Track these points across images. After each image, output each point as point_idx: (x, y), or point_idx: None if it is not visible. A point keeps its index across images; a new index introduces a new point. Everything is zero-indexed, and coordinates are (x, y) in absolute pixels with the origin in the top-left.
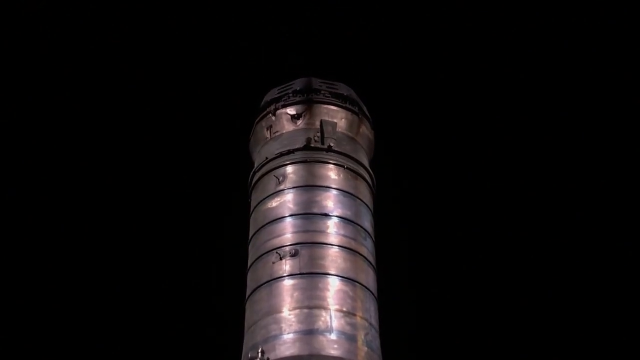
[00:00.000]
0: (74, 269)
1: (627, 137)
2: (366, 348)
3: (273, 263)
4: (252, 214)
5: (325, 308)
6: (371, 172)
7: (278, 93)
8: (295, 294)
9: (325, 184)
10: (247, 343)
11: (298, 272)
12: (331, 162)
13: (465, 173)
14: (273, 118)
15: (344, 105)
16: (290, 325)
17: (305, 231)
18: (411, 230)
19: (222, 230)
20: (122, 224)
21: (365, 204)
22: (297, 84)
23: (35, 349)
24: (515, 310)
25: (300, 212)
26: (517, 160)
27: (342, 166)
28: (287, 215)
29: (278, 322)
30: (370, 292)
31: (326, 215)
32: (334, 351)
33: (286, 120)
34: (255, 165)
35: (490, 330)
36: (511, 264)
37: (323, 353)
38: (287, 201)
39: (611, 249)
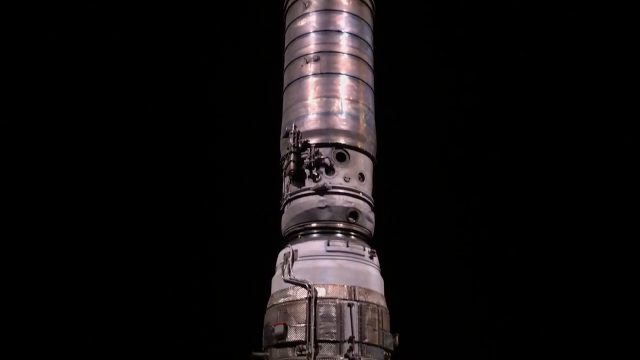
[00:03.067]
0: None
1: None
2: (365, 125)
3: (301, 66)
4: (287, 31)
5: (338, 97)
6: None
7: None
8: (317, 87)
9: (339, 9)
10: (284, 121)
11: (319, 72)
12: None
13: None
14: None
15: None
16: (314, 108)
17: (324, 43)
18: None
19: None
20: None
21: (367, 23)
22: None
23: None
24: None
25: (320, 29)
26: None
27: None
28: (311, 31)
29: (305, 106)
30: (369, 86)
31: (339, 31)
32: (343, 126)
33: None
34: None
35: None
36: None
37: (336, 127)
38: (311, 21)
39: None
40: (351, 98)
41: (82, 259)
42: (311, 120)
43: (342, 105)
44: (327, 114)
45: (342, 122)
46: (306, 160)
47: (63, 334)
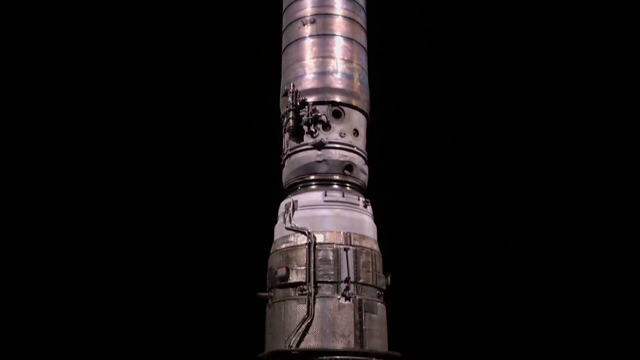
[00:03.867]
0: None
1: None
2: (359, 83)
3: (299, 28)
4: None
5: (333, 58)
6: None
7: None
8: (314, 48)
9: None
10: (283, 81)
11: (315, 34)
12: None
13: None
14: None
15: None
16: (311, 68)
17: (320, 6)
18: None
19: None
20: None
21: None
22: None
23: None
24: None
25: None
26: None
27: None
28: None
29: (303, 66)
30: (363, 47)
31: None
32: (338, 85)
33: None
34: None
35: None
36: None
37: (332, 86)
38: None
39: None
40: (346, 58)
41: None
42: (308, 79)
43: (338, 65)
44: (323, 73)
45: (337, 81)
46: (304, 118)
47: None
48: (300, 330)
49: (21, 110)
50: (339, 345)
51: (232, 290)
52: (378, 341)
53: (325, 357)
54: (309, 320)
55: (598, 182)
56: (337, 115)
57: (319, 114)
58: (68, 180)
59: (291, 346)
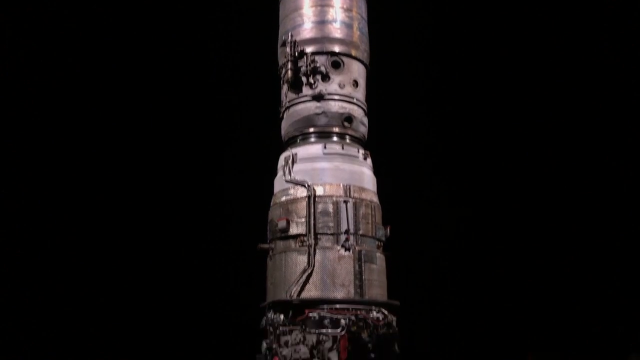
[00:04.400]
0: None
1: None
2: (359, 32)
3: None
4: None
5: (332, 6)
6: None
7: None
8: None
9: None
10: (281, 30)
11: None
12: None
13: None
14: None
15: None
16: (309, 17)
17: None
18: None
19: None
20: None
21: None
22: None
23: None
24: None
25: None
26: None
27: None
28: None
29: (301, 15)
30: None
31: None
32: (337, 35)
33: None
34: None
35: None
36: None
37: (330, 36)
38: None
39: None
40: (345, 7)
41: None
42: (307, 29)
43: (337, 13)
44: (322, 22)
45: (336, 30)
46: (303, 69)
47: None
48: (301, 281)
49: (21, 111)
50: (339, 294)
51: (233, 242)
52: (377, 290)
53: (325, 306)
54: (309, 271)
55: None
56: (337, 65)
57: (318, 65)
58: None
59: (292, 296)
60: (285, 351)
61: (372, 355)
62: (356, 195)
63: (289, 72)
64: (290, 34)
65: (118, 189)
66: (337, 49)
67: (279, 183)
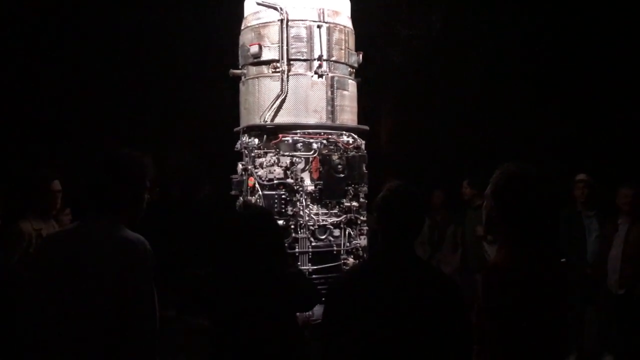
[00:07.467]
0: None
1: None
2: None
3: None
4: None
5: None
6: None
7: None
8: None
9: None
10: None
11: None
12: None
13: None
14: None
15: None
16: None
17: None
18: None
19: None
20: None
21: None
22: None
23: None
24: None
25: None
26: None
27: None
28: None
29: None
30: None
31: None
32: None
33: None
34: None
35: None
36: None
37: None
38: None
39: None
40: None
41: None
42: None
43: None
44: None
45: None
46: None
47: None
48: (274, 106)
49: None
50: (312, 120)
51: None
52: (348, 116)
53: (298, 131)
54: (282, 97)
55: None
56: None
57: None
58: None
59: (266, 121)
60: (261, 172)
61: (342, 175)
62: (330, 19)
63: None
64: None
65: None
66: None
67: (249, 5)
